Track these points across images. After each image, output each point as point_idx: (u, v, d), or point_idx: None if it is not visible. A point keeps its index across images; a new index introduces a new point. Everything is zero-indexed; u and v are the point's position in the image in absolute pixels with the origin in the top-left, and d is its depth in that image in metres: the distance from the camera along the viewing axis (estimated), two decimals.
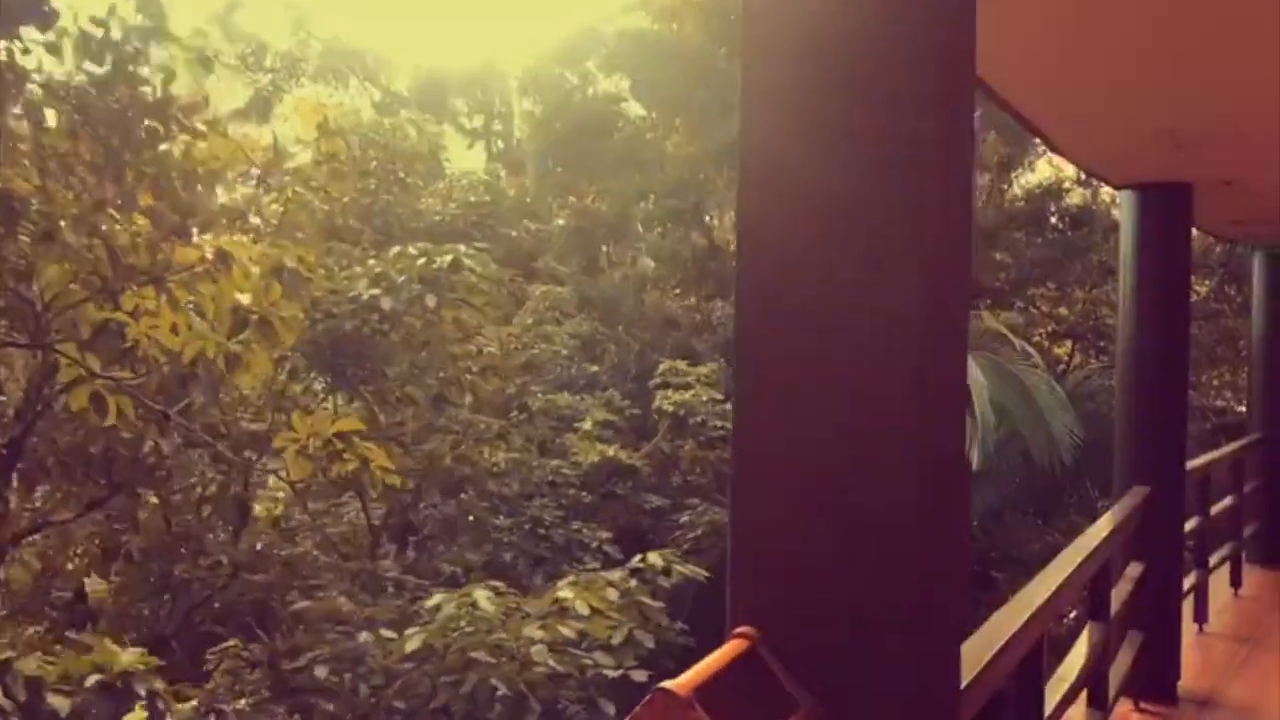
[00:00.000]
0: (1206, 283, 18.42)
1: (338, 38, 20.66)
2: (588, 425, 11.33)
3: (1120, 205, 5.64)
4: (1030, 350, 13.10)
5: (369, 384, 8.73)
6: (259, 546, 8.71)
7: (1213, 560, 7.07)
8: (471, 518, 9.91)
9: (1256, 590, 7.91)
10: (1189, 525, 6.45)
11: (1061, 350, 19.54)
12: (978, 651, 2.47)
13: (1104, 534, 4.26)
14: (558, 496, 10.46)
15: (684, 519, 11.87)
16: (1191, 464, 6.22)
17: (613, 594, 6.47)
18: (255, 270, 6.63)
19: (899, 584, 1.65)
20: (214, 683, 6.78)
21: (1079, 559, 3.88)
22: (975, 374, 11.81)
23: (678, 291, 19.22)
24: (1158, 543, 5.40)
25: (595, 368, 13.86)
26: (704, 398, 11.72)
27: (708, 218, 18.09)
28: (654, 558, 7.13)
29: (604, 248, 18.08)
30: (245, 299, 6.64)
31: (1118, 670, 4.93)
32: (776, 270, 1.87)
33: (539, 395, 11.71)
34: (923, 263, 1.82)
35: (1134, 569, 5.19)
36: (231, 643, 7.22)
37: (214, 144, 7.20)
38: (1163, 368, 5.46)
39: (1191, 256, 17.29)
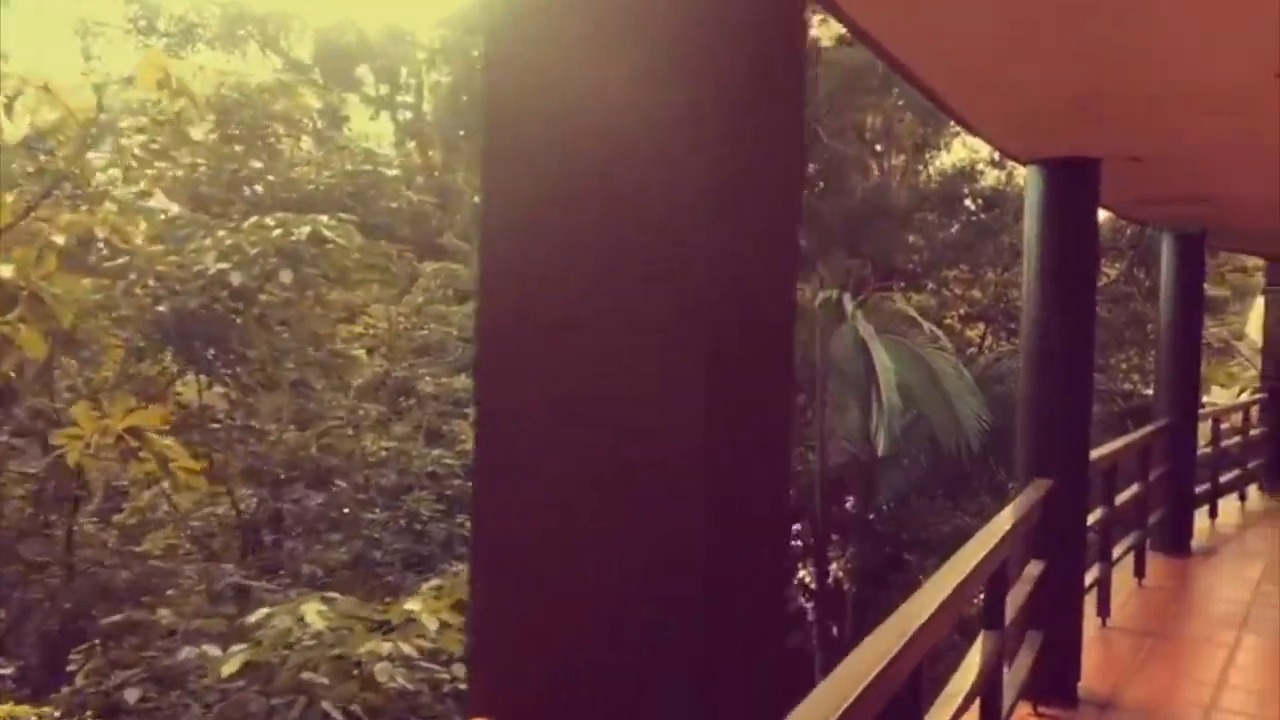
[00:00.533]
0: (1117, 266, 18.61)
1: (235, 1, 19.74)
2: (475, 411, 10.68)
3: (1026, 182, 5.34)
4: (939, 333, 12.95)
5: (231, 367, 8.04)
6: (110, 544, 8.01)
7: (1117, 552, 6.91)
8: (346, 511, 9.24)
9: (1161, 580, 7.80)
10: (1093, 517, 6.27)
11: (974, 333, 19.55)
12: (838, 693, 2.11)
13: (1000, 535, 3.95)
14: (442, 488, 9.87)
15: None
16: (1097, 454, 6.01)
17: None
18: (59, 240, 5.94)
19: (682, 662, 1.20)
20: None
21: (970, 565, 3.55)
22: (882, 357, 11.60)
23: None
24: (1059, 539, 5.16)
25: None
26: None
27: None
28: None
29: None
30: (5, 272, 5.79)
31: (1016, 674, 4.68)
32: (522, 254, 1.42)
33: (429, 379, 11.05)
34: (717, 253, 1.37)
35: (1034, 567, 4.93)
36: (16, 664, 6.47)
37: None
38: (1067, 354, 5.20)
39: (1101, 238, 17.53)
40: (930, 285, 19.09)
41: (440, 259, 14.01)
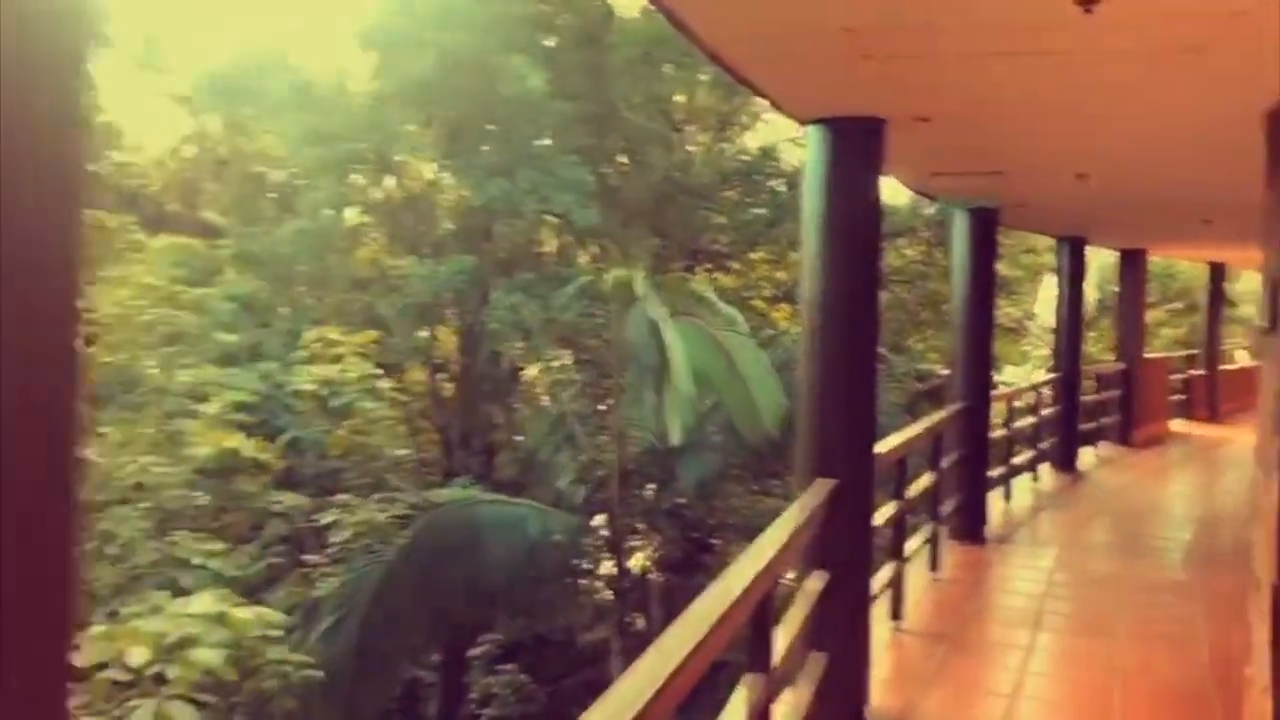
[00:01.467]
0: (916, 247, 18.80)
1: None
2: (214, 408, 9.42)
3: (807, 146, 4.75)
4: (736, 315, 12.51)
5: None
6: None
7: (910, 547, 6.52)
8: None
9: (956, 571, 7.52)
10: (884, 514, 5.82)
11: (780, 314, 19.45)
12: None
13: (767, 559, 3.31)
14: (159, 500, 8.58)
15: (328, 520, 10.45)
16: (885, 446, 5.54)
17: (138, 655, 4.91)
18: None
19: None
20: None
21: (726, 602, 2.89)
22: (674, 342, 11.04)
23: (374, 248, 17.66)
24: (845, 546, 4.63)
25: (234, 337, 11.92)
26: (354, 373, 10.17)
27: (394, 161, 16.53)
28: (202, 603, 5.53)
29: (274, 196, 16.14)
30: None
31: (798, 699, 4.09)
32: None
33: (154, 370, 9.71)
34: None
35: (816, 580, 4.36)
36: None
37: None
38: (851, 337, 4.66)
39: (900, 218, 17.49)
40: (737, 266, 18.82)
41: (185, 235, 12.64)
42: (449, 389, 17.21)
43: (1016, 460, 10.17)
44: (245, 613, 5.53)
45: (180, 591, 7.07)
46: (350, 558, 10.12)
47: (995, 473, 9.28)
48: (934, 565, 7.33)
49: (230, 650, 5.19)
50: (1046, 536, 8.90)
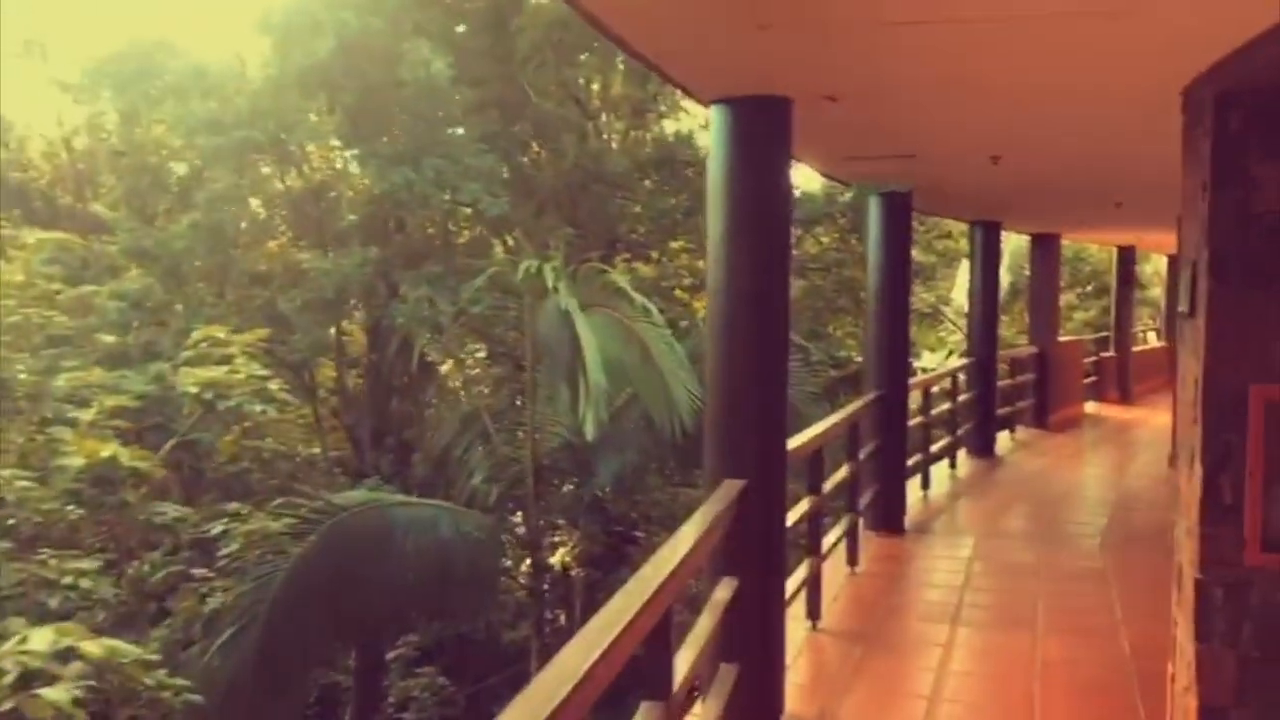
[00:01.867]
0: (833, 233, 18.77)
1: None
2: (90, 415, 8.86)
3: (710, 128, 4.50)
4: (650, 306, 12.25)
5: None
6: None
7: (827, 543, 6.34)
8: None
9: (875, 565, 7.38)
10: (801, 510, 5.63)
11: (700, 304, 19.15)
12: None
13: (661, 577, 3.05)
14: (17, 516, 7.99)
15: (217, 530, 9.99)
16: (799, 440, 5.34)
17: None
18: None
19: None
20: None
21: (617, 626, 2.62)
22: (586, 334, 10.76)
23: (278, 241, 17.08)
24: (755, 549, 4.40)
25: (113, 338, 11.32)
26: (242, 373, 9.69)
27: (294, 149, 15.96)
28: (41, 639, 5.00)
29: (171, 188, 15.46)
30: None
31: (707, 714, 3.86)
32: None
33: (24, 375, 9.06)
34: None
35: (725, 588, 4.12)
36: None
37: None
38: (758, 327, 4.42)
39: (816, 205, 17.40)
40: (655, 255, 18.58)
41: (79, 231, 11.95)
42: (359, 386, 16.72)
43: (934, 448, 10.15)
44: (94, 647, 5.08)
45: (48, 616, 6.58)
46: (247, 568, 9.65)
47: (913, 461, 9.21)
48: (852, 559, 7.18)
49: (93, 682, 4.79)
50: (965, 525, 8.88)
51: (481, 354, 17.93)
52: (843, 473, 6.92)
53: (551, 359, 11.77)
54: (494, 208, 15.33)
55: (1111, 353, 17.70)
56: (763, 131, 4.39)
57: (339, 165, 17.27)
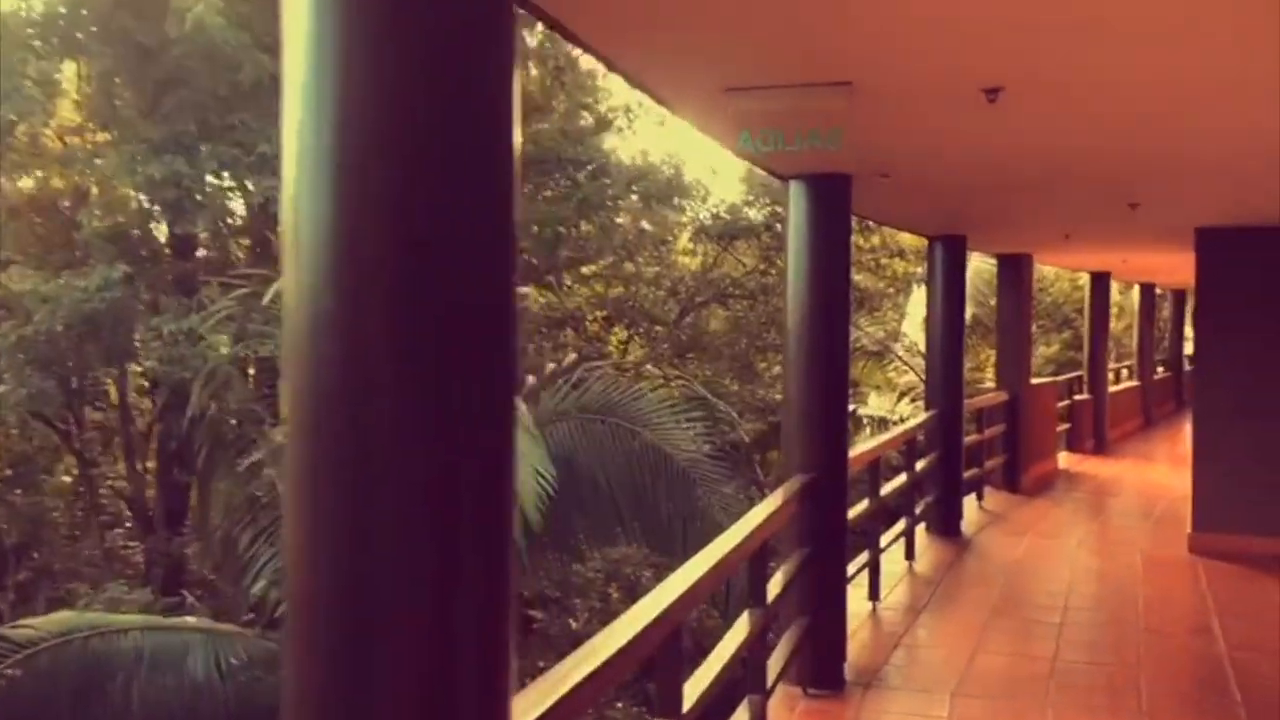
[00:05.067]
0: (754, 252, 24.33)
1: None
2: None
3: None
4: None
5: None
6: None
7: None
8: None
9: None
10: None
11: (615, 337, 23.39)
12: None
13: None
14: None
15: None
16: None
17: None
18: None
19: None
20: None
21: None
22: None
23: None
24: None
25: None
26: None
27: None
28: None
29: None
30: None
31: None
32: None
33: None
34: None
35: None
36: None
37: None
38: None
39: (736, 213, 23.00)
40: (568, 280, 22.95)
41: None
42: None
43: (885, 539, 12.96)
44: None
45: None
46: None
47: (855, 566, 11.66)
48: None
49: None
50: (931, 668, 10.40)
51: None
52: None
53: None
54: None
55: (1086, 395, 23.28)
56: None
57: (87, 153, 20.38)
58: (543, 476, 13.12)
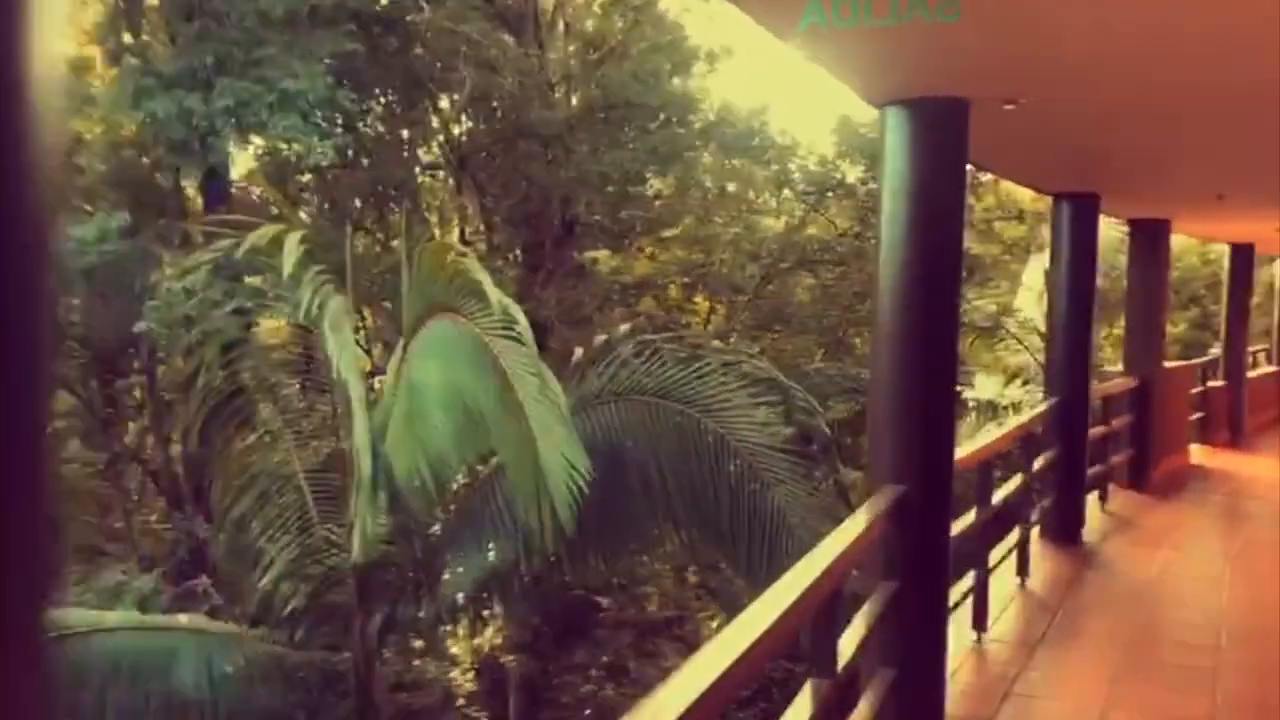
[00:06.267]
0: (848, 212, 22.63)
1: None
2: None
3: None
4: (516, 313, 11.93)
5: None
6: None
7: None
8: None
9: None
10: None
11: (698, 305, 22.14)
12: None
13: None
14: None
15: None
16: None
17: None
18: None
19: None
20: None
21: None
22: (420, 361, 12.06)
23: None
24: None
25: None
26: None
27: None
28: None
29: None
30: None
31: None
32: None
33: None
34: None
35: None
36: None
37: None
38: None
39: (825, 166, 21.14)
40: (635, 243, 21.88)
41: None
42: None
43: (994, 555, 11.51)
44: None
45: None
46: None
47: (957, 590, 9.83)
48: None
49: None
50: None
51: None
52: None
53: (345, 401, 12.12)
54: (325, 155, 17.50)
55: (1221, 381, 21.75)
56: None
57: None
58: (572, 467, 11.22)
